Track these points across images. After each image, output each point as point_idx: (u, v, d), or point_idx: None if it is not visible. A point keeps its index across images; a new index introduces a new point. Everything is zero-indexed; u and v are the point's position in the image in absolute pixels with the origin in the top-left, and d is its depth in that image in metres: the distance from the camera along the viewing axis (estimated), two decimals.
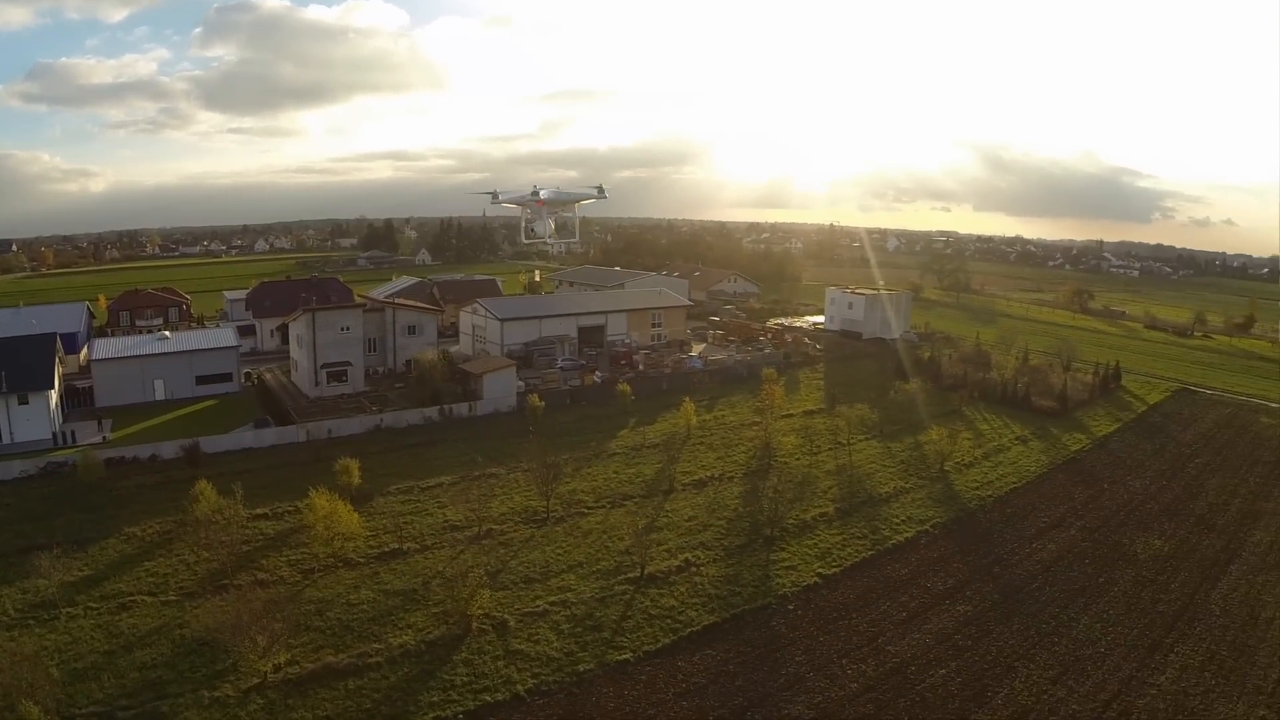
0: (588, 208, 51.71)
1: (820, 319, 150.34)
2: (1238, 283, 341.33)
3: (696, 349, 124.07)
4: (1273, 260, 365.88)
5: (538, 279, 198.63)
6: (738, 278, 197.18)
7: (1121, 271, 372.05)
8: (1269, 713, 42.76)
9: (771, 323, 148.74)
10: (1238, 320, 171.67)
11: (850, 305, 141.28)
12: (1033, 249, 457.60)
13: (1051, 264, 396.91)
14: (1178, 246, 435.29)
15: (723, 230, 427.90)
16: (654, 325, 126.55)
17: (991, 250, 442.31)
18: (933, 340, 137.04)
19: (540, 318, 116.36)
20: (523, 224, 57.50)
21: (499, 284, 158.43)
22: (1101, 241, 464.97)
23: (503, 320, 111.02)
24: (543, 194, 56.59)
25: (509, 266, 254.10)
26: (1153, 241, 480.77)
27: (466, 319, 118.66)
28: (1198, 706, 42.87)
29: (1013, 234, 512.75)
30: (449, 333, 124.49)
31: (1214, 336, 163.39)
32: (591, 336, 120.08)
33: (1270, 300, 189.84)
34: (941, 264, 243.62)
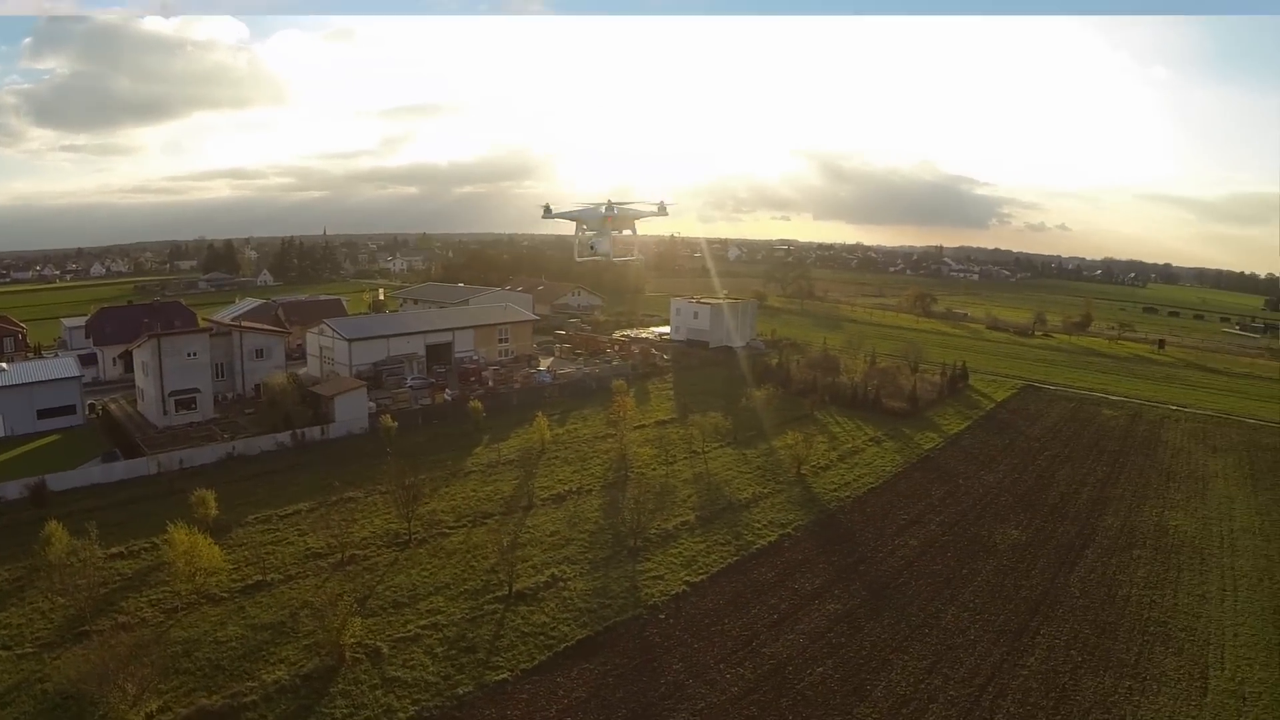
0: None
1: (666, 330, 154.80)
2: (1073, 284, 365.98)
3: (545, 363, 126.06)
4: (1105, 262, 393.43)
5: (382, 297, 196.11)
6: (581, 291, 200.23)
7: (962, 275, 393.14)
8: (1134, 682, 47.09)
9: (618, 335, 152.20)
10: (1075, 319, 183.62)
11: (696, 315, 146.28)
12: (874, 255, 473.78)
13: (893, 269, 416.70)
14: (1015, 250, 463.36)
15: (564, 244, 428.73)
16: (501, 341, 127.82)
17: (833, 258, 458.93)
18: (780, 347, 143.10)
19: (388, 337, 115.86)
20: (577, 241, 55.61)
21: (344, 304, 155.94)
22: (941, 247, 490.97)
23: (350, 340, 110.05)
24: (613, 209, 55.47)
25: (353, 285, 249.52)
26: (991, 246, 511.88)
27: (314, 340, 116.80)
28: (1067, 683, 46.70)
29: (853, 241, 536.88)
30: (296, 355, 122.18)
31: (1054, 335, 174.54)
32: (439, 354, 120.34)
33: (1105, 299, 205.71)
34: (784, 272, 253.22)
